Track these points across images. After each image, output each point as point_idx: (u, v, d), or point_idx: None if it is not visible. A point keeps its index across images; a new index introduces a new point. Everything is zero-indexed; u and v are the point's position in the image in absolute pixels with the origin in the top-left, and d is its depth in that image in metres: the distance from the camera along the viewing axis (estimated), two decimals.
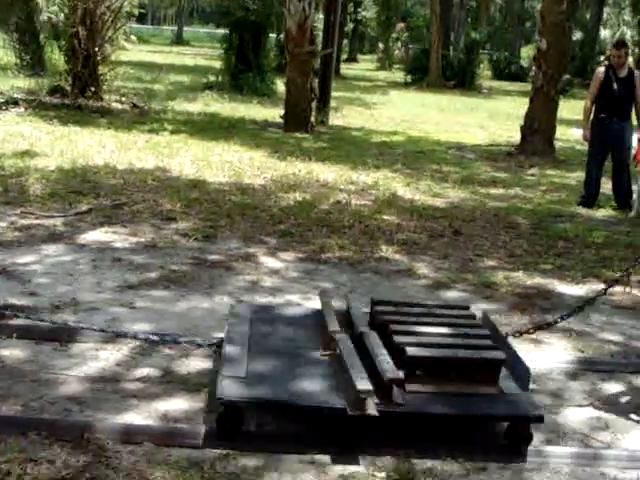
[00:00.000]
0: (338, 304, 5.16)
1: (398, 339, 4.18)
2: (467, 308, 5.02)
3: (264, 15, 22.64)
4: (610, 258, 7.62)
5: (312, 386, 3.97)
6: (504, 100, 28.62)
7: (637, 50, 36.05)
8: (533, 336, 5.49)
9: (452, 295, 6.31)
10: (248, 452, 3.68)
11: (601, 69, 10.69)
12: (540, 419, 3.92)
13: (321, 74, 17.29)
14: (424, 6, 48.66)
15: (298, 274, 6.58)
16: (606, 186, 10.68)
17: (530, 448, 3.93)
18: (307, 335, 4.62)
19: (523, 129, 14.80)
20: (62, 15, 18.73)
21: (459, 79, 33.42)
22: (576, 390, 4.72)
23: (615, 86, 10.23)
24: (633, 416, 4.41)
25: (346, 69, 38.02)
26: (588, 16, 44.17)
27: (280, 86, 19.98)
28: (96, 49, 16.47)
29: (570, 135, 17.42)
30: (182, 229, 7.62)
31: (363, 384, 3.78)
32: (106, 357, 4.65)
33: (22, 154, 10.62)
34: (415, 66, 35.25)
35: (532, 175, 12.74)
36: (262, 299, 5.84)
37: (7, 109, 14.95)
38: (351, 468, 3.63)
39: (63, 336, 4.79)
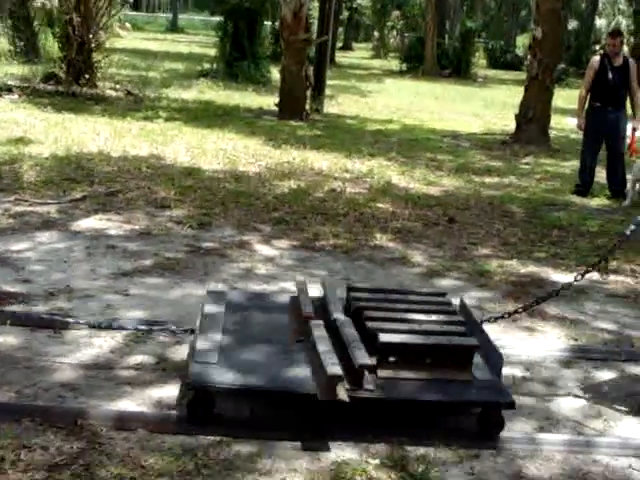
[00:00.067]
0: (315, 290, 5.11)
1: (371, 325, 4.18)
2: (444, 295, 5.00)
3: (259, 2, 22.60)
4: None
5: (284, 372, 3.96)
6: (499, 89, 28.60)
7: (632, 39, 35.98)
8: (527, 324, 5.53)
9: (446, 283, 6.31)
10: (238, 438, 3.69)
11: (596, 58, 10.68)
12: (511, 405, 3.92)
13: (316, 62, 17.28)
14: None
15: (292, 262, 6.58)
16: (600, 175, 10.70)
17: (523, 435, 3.95)
18: (282, 321, 4.62)
19: (518, 118, 14.79)
20: (56, 2, 18.62)
21: (454, 67, 33.37)
22: (569, 378, 4.73)
23: (610, 75, 10.23)
24: (625, 404, 4.43)
25: (341, 57, 37.95)
26: (583, 5, 44.11)
27: (275, 74, 19.95)
28: (90, 36, 16.40)
29: (565, 124, 17.44)
30: (176, 217, 7.61)
31: (333, 370, 3.78)
32: (100, 344, 4.65)
33: (16, 141, 10.59)
34: (410, 54, 35.16)
35: (527, 164, 12.75)
36: (256, 287, 5.84)
37: (1, 96, 14.89)
38: (345, 455, 3.64)
39: (57, 323, 4.79)
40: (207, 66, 22.59)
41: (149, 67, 20.26)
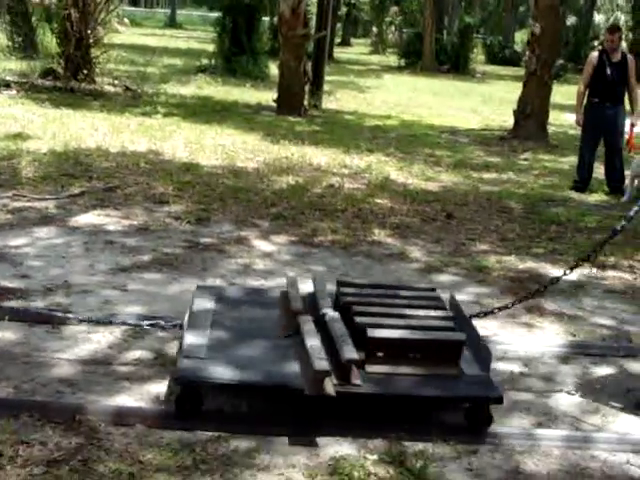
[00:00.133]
0: (306, 286, 5.09)
1: (360, 320, 4.18)
2: (433, 290, 5.00)
3: None
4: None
5: (272, 366, 3.96)
6: (497, 84, 28.61)
7: (631, 35, 35.96)
8: (525, 320, 5.53)
9: (444, 279, 6.31)
10: (234, 434, 3.69)
11: (594, 54, 10.68)
12: (499, 400, 3.92)
13: (314, 58, 17.26)
14: None
15: (290, 257, 6.58)
16: (599, 171, 10.70)
17: (521, 431, 3.96)
18: (271, 316, 4.61)
19: (516, 114, 14.79)
20: None
21: (453, 63, 33.40)
22: (567, 374, 4.73)
23: (608, 71, 10.23)
24: (623, 400, 4.43)
25: (339, 53, 37.94)
26: (582, 1, 44.10)
27: (273, 69, 19.92)
28: (89, 32, 16.38)
29: (563, 120, 17.44)
30: (175, 212, 7.61)
31: (321, 364, 3.78)
32: (98, 339, 4.65)
33: (14, 136, 10.59)
34: (409, 50, 35.19)
35: (525, 160, 12.75)
36: (254, 282, 5.84)
37: None
38: (343, 450, 3.64)
39: (55, 318, 4.79)
40: (205, 62, 22.57)
41: (147, 63, 20.21)
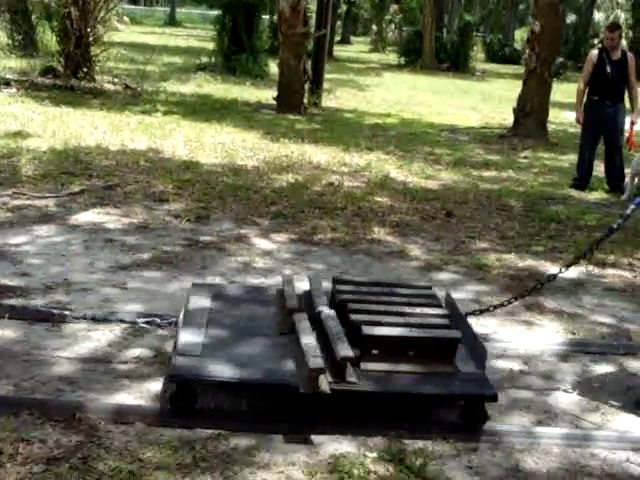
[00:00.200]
0: (302, 284, 5.08)
1: (355, 318, 4.18)
2: (429, 288, 5.00)
3: None
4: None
5: (267, 364, 3.96)
6: (497, 83, 28.60)
7: (631, 33, 35.97)
8: (525, 318, 5.53)
9: (444, 277, 6.31)
10: (229, 431, 3.69)
11: (594, 52, 10.67)
12: (494, 398, 3.92)
13: (314, 56, 17.25)
14: None
15: (290, 255, 6.58)
16: (599, 169, 10.70)
17: (521, 429, 3.96)
18: (267, 314, 4.60)
19: (516, 112, 14.78)
20: None
21: (452, 61, 33.40)
22: (567, 372, 4.73)
23: (608, 69, 10.23)
24: (623, 397, 4.43)
25: (339, 51, 37.92)
26: None
27: (273, 68, 19.92)
28: (88, 30, 16.38)
29: (563, 118, 17.44)
30: (174, 210, 7.60)
31: (315, 362, 3.78)
32: (98, 338, 4.65)
33: (14, 135, 10.58)
34: (408, 48, 35.19)
35: (525, 158, 12.74)
36: (254, 280, 5.84)
37: None
38: (343, 448, 3.64)
39: (55, 317, 4.79)
40: (205, 60, 22.57)
41: (147, 61, 20.20)
